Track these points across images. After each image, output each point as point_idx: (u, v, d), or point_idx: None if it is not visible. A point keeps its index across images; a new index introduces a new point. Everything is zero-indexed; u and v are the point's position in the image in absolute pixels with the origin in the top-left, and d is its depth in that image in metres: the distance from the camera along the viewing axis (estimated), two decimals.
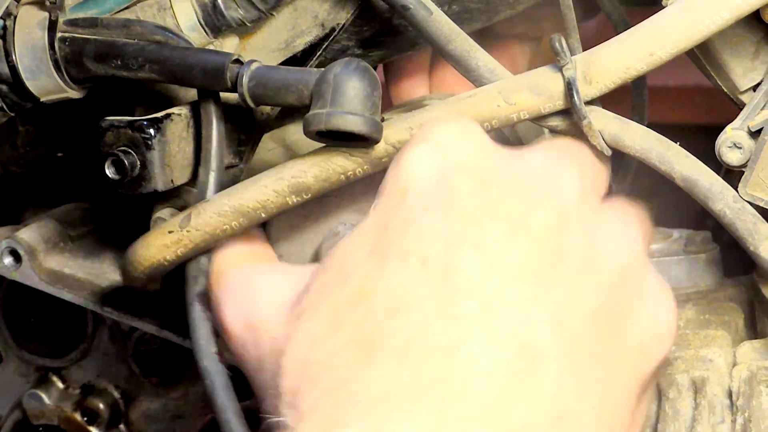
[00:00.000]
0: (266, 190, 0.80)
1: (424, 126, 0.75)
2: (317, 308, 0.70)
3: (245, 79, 0.79)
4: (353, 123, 0.76)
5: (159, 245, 0.82)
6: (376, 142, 0.78)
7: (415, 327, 0.67)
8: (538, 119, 0.80)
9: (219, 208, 0.80)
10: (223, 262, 0.82)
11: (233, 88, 0.80)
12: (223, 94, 0.84)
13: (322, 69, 0.78)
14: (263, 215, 0.80)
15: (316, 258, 0.85)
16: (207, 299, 0.82)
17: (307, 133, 0.77)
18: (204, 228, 0.81)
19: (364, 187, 0.83)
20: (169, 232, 0.82)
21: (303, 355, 0.70)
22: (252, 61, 0.80)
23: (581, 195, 0.74)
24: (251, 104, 0.80)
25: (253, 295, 0.77)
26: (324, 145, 0.79)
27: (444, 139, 0.73)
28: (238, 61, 0.80)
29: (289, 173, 0.79)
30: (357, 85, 0.76)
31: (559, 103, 0.78)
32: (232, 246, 0.83)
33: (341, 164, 0.79)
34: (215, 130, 0.83)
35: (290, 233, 0.86)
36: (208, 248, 0.82)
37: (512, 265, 0.69)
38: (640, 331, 0.74)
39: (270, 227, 0.86)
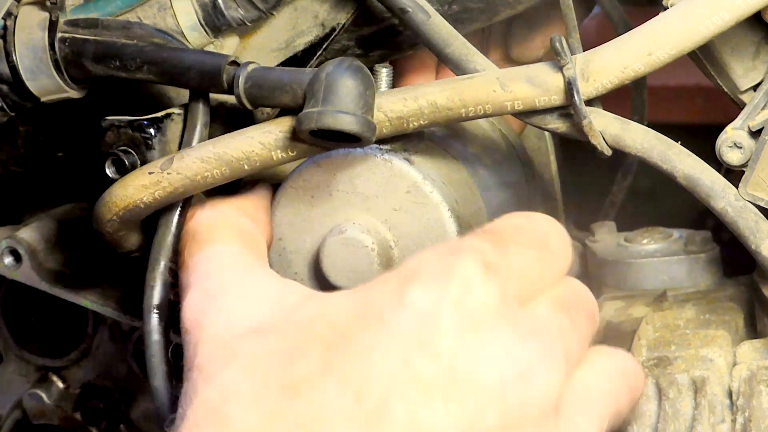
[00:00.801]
0: (252, 141, 0.79)
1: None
2: None
3: (241, 81, 0.79)
4: (344, 122, 0.75)
5: (137, 185, 0.80)
6: (370, 141, 0.77)
7: None
8: (537, 119, 0.80)
9: (203, 154, 0.79)
10: (204, 229, 0.78)
11: (230, 90, 0.79)
12: (223, 96, 0.84)
13: (317, 68, 0.77)
14: (246, 167, 0.79)
15: (315, 251, 0.85)
16: (165, 310, 0.80)
17: (300, 132, 0.76)
18: (185, 172, 0.79)
19: (375, 188, 0.83)
20: (149, 173, 0.80)
21: None
22: (248, 63, 0.79)
23: None
24: (248, 106, 0.79)
25: (213, 303, 0.73)
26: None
27: None
28: (234, 63, 0.80)
29: (277, 128, 0.79)
30: (349, 84, 0.76)
31: (555, 98, 0.78)
32: (221, 208, 0.80)
33: None
34: (197, 136, 0.82)
35: (295, 218, 0.85)
36: (186, 194, 0.80)
37: None
38: None
39: (276, 207, 0.86)
